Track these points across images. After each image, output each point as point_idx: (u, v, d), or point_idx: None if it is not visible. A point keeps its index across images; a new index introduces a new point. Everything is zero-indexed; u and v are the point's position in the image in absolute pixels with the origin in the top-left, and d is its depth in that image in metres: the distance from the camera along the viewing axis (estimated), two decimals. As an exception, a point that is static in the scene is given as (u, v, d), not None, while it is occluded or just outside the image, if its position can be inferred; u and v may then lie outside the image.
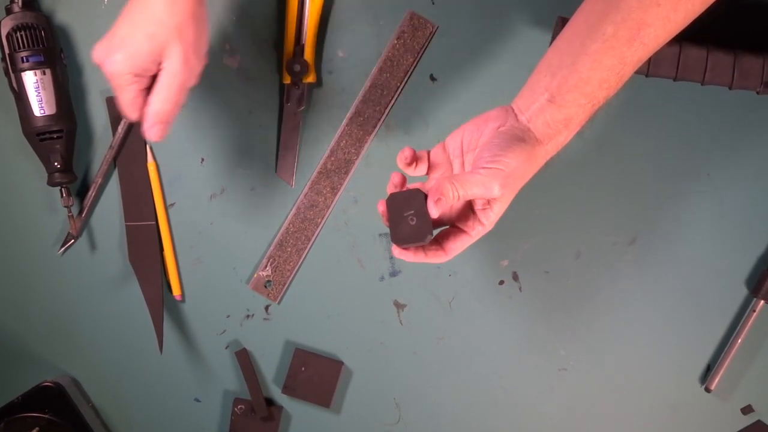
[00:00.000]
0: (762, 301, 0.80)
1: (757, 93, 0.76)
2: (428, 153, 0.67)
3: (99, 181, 0.85)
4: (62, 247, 0.86)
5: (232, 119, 0.85)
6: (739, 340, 0.80)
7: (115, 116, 0.85)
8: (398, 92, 0.83)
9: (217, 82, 0.84)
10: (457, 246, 0.65)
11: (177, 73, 0.66)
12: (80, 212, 0.86)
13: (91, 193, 0.85)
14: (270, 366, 0.87)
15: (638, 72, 0.75)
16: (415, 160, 0.65)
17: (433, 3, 0.82)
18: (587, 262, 0.83)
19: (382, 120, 0.83)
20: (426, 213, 0.62)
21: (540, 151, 0.62)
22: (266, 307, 0.87)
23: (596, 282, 0.83)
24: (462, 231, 0.65)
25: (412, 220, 0.63)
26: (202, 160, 0.85)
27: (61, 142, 0.81)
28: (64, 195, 0.83)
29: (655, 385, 0.83)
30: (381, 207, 0.65)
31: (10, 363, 0.89)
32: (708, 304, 0.82)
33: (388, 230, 0.65)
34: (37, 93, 0.80)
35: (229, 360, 0.87)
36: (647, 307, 0.83)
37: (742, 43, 0.75)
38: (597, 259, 0.83)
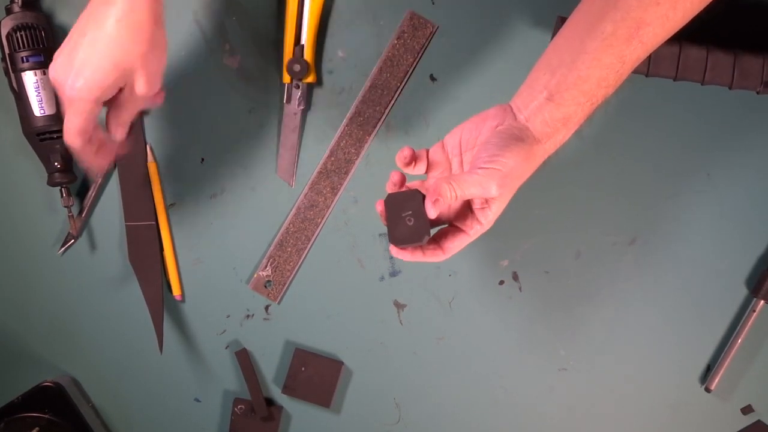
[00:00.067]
0: (762, 301, 0.80)
1: (757, 93, 0.76)
2: (427, 152, 0.67)
3: (99, 181, 0.85)
4: (62, 247, 0.86)
5: (232, 119, 0.85)
6: (739, 340, 0.80)
7: (115, 116, 0.85)
8: (398, 92, 0.83)
9: (217, 82, 0.84)
10: (455, 245, 0.65)
11: (141, 96, 0.68)
12: (80, 212, 0.86)
13: (91, 193, 0.85)
14: (270, 366, 0.87)
15: (638, 72, 0.75)
16: (413, 159, 0.65)
17: (433, 3, 0.82)
18: (587, 262, 0.83)
19: (382, 120, 0.83)
20: (424, 213, 0.62)
21: (538, 150, 0.62)
22: (266, 307, 0.87)
23: (596, 282, 0.83)
24: (460, 230, 0.65)
25: (409, 221, 0.63)
26: (202, 160, 0.85)
27: (61, 142, 0.80)
28: (64, 195, 0.83)
29: (655, 385, 0.83)
30: (379, 207, 0.65)
31: (10, 363, 0.89)
32: (708, 304, 0.82)
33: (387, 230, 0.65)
34: (37, 93, 0.80)
35: (229, 360, 0.87)
36: (647, 307, 0.83)
37: (742, 43, 0.75)
38: (597, 259, 0.83)
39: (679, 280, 0.82)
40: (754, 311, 0.80)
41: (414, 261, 0.65)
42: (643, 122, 0.81)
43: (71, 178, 0.83)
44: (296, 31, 0.81)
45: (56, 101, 0.80)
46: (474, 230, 0.64)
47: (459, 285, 0.84)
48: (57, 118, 0.80)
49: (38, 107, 0.80)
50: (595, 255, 0.83)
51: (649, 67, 0.75)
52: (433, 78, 0.83)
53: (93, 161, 0.70)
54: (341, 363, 0.86)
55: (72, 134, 0.66)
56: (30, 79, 0.80)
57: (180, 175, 0.86)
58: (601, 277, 0.83)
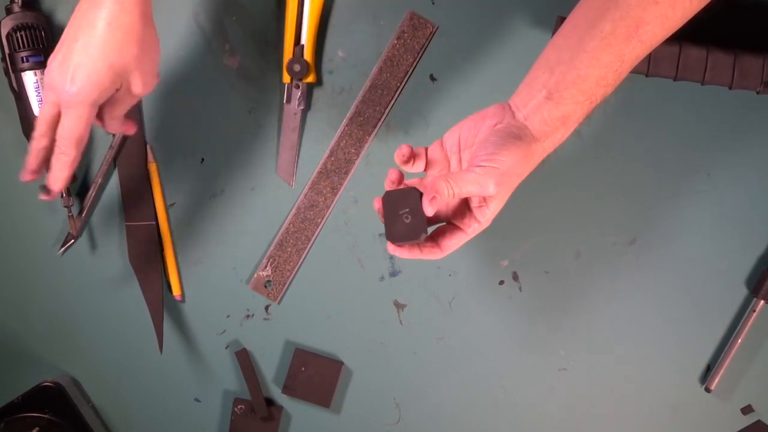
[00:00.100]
0: (762, 301, 0.80)
1: (757, 93, 0.76)
2: (426, 150, 0.67)
3: (99, 181, 0.85)
4: (62, 247, 0.86)
5: (232, 119, 0.85)
6: (739, 340, 0.80)
7: (115, 116, 0.85)
8: (398, 92, 0.83)
9: (217, 82, 0.84)
10: (453, 243, 0.65)
11: (137, 96, 0.68)
12: (80, 212, 0.86)
13: (91, 193, 0.85)
14: (270, 366, 0.87)
15: (638, 72, 0.75)
16: (412, 157, 0.65)
17: (433, 3, 0.82)
18: (587, 262, 0.83)
19: (382, 120, 0.83)
20: (421, 211, 0.62)
21: (537, 149, 0.62)
22: (266, 307, 0.87)
23: (596, 282, 0.83)
24: (458, 228, 0.65)
25: (407, 218, 0.63)
26: (202, 160, 0.85)
27: (61, 142, 0.81)
28: (64, 195, 0.83)
29: (655, 385, 0.83)
30: (377, 204, 0.65)
31: (10, 363, 0.89)
32: (708, 304, 0.82)
33: (387, 229, 0.65)
34: (37, 93, 0.80)
35: (229, 360, 0.87)
36: (647, 307, 0.83)
37: (742, 43, 0.75)
38: (597, 259, 0.83)
39: (679, 280, 0.82)
40: (754, 311, 0.80)
41: (411, 258, 0.65)
42: (643, 122, 0.81)
43: (71, 179, 0.83)
44: (296, 31, 0.81)
45: None
46: (472, 228, 0.64)
47: (459, 285, 0.84)
48: (57, 118, 0.80)
49: (38, 107, 0.80)
50: (595, 255, 0.83)
51: (649, 67, 0.75)
52: (433, 78, 0.83)
53: (65, 181, 0.69)
54: (341, 363, 0.86)
55: (68, 142, 0.66)
56: (30, 79, 0.80)
57: (180, 175, 0.86)
58: (601, 277, 0.83)
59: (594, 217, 0.82)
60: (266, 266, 0.86)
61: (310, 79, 0.82)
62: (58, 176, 0.68)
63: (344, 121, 0.84)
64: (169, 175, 0.86)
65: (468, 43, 0.82)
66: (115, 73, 0.65)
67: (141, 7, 0.65)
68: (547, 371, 0.84)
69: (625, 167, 0.81)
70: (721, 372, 0.81)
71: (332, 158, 0.84)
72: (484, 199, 0.62)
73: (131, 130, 0.75)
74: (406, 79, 0.83)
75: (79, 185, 0.86)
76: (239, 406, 0.87)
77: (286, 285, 0.86)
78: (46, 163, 0.69)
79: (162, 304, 0.86)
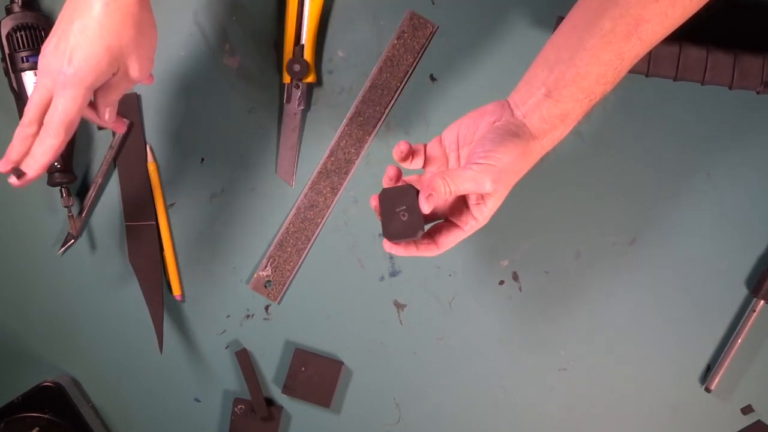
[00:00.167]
0: (762, 301, 0.80)
1: (757, 93, 0.76)
2: (424, 147, 0.67)
3: (99, 181, 0.85)
4: (62, 247, 0.86)
5: (232, 119, 0.85)
6: (739, 340, 0.80)
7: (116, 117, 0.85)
8: (398, 92, 0.83)
9: (217, 82, 0.84)
10: (450, 240, 0.65)
11: (134, 80, 0.67)
12: (80, 212, 0.86)
13: (91, 193, 0.85)
14: (270, 366, 0.87)
15: (638, 72, 0.75)
16: (410, 154, 0.65)
17: (433, 3, 0.82)
18: (587, 262, 0.83)
19: (382, 120, 0.83)
20: (418, 208, 0.62)
21: (535, 147, 0.62)
22: (266, 307, 0.87)
23: (596, 282, 0.83)
24: (455, 225, 0.65)
25: (403, 216, 0.63)
26: (202, 160, 0.85)
27: (62, 142, 0.81)
28: (64, 195, 0.83)
29: (655, 385, 0.83)
30: (373, 202, 0.66)
31: (10, 363, 0.89)
32: (708, 304, 0.82)
33: (388, 230, 0.65)
34: (37, 93, 0.80)
35: (229, 360, 0.87)
36: (647, 307, 0.83)
37: (741, 43, 0.75)
38: (597, 259, 0.83)
39: (679, 280, 0.82)
40: (754, 311, 0.80)
41: (408, 255, 0.65)
42: (643, 122, 0.81)
43: (71, 178, 0.83)
44: (296, 31, 0.82)
45: None
46: (469, 226, 0.64)
47: (459, 285, 0.84)
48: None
49: (38, 106, 0.80)
50: (595, 255, 0.83)
51: (649, 67, 0.75)
52: (433, 78, 0.83)
53: (41, 171, 0.66)
54: (341, 363, 0.86)
55: (58, 125, 0.64)
56: (30, 79, 0.80)
57: (180, 175, 0.86)
58: (601, 277, 0.83)
59: (594, 217, 0.82)
60: (266, 266, 0.86)
61: (310, 79, 0.82)
62: (39, 161, 0.65)
63: (344, 121, 0.84)
64: (169, 175, 0.86)
65: (468, 43, 0.82)
66: (112, 56, 0.63)
67: None
68: (547, 371, 0.84)
69: (625, 167, 0.81)
70: (721, 372, 0.81)
71: (332, 158, 0.84)
72: (482, 197, 0.62)
73: (121, 128, 0.74)
74: (406, 79, 0.83)
75: (79, 185, 0.86)
76: (239, 406, 0.87)
77: (286, 285, 0.86)
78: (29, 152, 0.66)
79: (162, 304, 0.86)
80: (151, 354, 0.87)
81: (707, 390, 0.82)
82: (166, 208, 0.86)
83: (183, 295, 0.87)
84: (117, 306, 0.87)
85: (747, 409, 0.82)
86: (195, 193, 0.86)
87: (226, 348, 0.87)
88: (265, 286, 0.86)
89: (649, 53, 0.74)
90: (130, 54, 0.65)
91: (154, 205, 0.86)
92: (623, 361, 0.83)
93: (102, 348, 0.88)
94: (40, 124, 0.65)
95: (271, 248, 0.85)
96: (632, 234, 0.82)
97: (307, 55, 0.82)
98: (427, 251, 0.65)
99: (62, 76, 0.63)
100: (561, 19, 0.74)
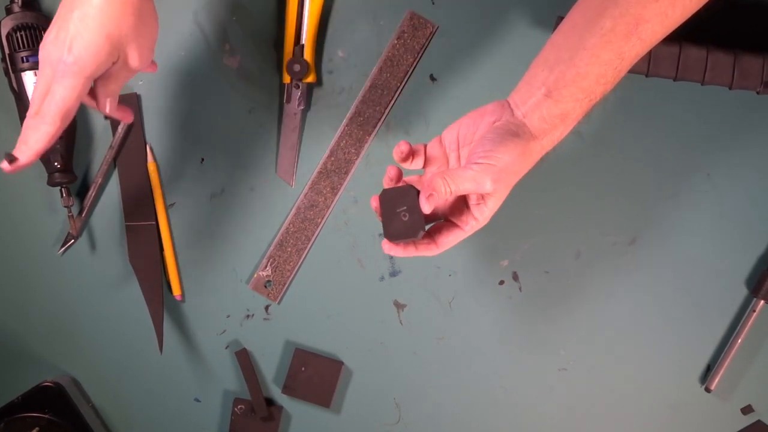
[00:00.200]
0: (762, 301, 0.80)
1: (757, 93, 0.76)
2: (425, 147, 0.67)
3: (99, 181, 0.85)
4: (62, 247, 0.86)
5: (232, 119, 0.85)
6: (739, 340, 0.80)
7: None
8: (398, 92, 0.83)
9: (217, 82, 0.84)
10: (450, 240, 0.65)
11: (134, 69, 0.66)
12: (80, 212, 0.86)
13: (91, 193, 0.85)
14: (270, 366, 0.87)
15: (638, 72, 0.75)
16: (411, 154, 0.66)
17: (433, 3, 0.82)
18: (587, 262, 0.83)
19: (382, 120, 0.83)
20: (418, 208, 0.62)
21: (535, 146, 0.62)
22: (266, 307, 0.87)
23: (596, 282, 0.83)
24: (455, 225, 0.65)
25: (404, 216, 0.63)
26: (202, 160, 0.85)
27: (61, 142, 0.81)
28: (64, 195, 0.83)
29: (655, 385, 0.83)
30: (374, 203, 0.66)
31: (10, 363, 0.89)
32: (708, 304, 0.82)
33: (388, 230, 0.65)
34: (37, 93, 0.80)
35: (229, 360, 0.87)
36: (647, 307, 0.83)
37: (741, 43, 0.76)
38: (597, 259, 0.83)
39: (679, 280, 0.82)
40: (754, 311, 0.80)
41: (407, 256, 0.65)
42: (643, 122, 0.81)
43: (71, 178, 0.83)
44: (296, 31, 0.82)
45: None
46: (469, 226, 0.64)
47: (459, 285, 0.84)
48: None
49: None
50: (595, 255, 0.83)
51: (649, 67, 0.75)
52: (433, 78, 0.83)
53: (36, 156, 0.65)
54: (341, 363, 0.86)
55: (55, 113, 0.63)
56: (30, 79, 0.80)
57: (180, 175, 0.86)
58: (601, 277, 0.83)
59: (594, 217, 0.82)
60: (266, 266, 0.86)
61: (310, 79, 0.82)
62: (33, 147, 0.64)
63: (344, 121, 0.84)
64: (169, 175, 0.86)
65: (468, 43, 0.82)
66: (112, 45, 0.63)
67: None
68: (547, 371, 0.84)
69: (625, 167, 0.81)
70: (721, 372, 0.81)
71: (332, 158, 0.84)
72: (482, 197, 0.62)
73: (128, 117, 0.73)
74: (406, 79, 0.83)
75: (79, 185, 0.86)
76: (239, 406, 0.87)
77: (286, 285, 0.86)
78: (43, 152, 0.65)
79: (162, 304, 0.86)
80: (151, 354, 0.87)
81: (707, 390, 0.82)
82: (166, 208, 0.86)
83: (183, 295, 0.87)
84: (117, 306, 0.87)
85: (747, 409, 0.82)
86: (195, 193, 0.86)
87: (226, 348, 0.87)
88: (265, 286, 0.86)
89: (649, 53, 0.74)
90: (130, 42, 0.64)
91: (154, 205, 0.86)
92: (623, 361, 0.83)
93: (102, 348, 0.88)
94: None
95: (271, 248, 0.85)
96: (632, 234, 0.82)
97: (307, 55, 0.82)
98: (426, 251, 0.65)
99: (62, 64, 0.62)
100: (561, 19, 0.74)
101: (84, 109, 0.85)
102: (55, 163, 0.82)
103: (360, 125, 0.83)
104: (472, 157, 0.61)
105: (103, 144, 0.85)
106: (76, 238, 0.86)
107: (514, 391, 0.85)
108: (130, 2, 0.63)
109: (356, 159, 0.84)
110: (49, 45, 0.63)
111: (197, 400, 0.88)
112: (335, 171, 0.84)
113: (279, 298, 0.86)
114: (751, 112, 0.80)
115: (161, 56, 0.84)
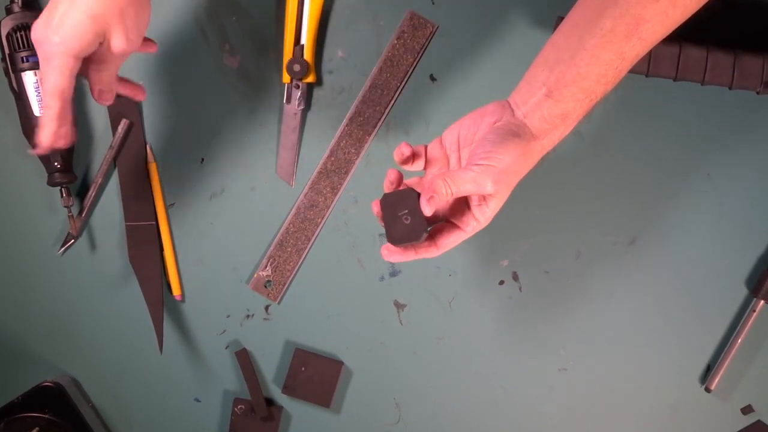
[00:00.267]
0: (762, 301, 0.80)
1: (757, 93, 0.76)
2: (425, 148, 0.67)
3: (99, 181, 0.85)
4: (62, 247, 0.86)
5: (232, 119, 0.85)
6: (739, 340, 0.80)
7: (115, 116, 0.85)
8: (398, 92, 0.83)
9: (217, 82, 0.84)
10: (450, 241, 0.64)
11: (120, 52, 0.66)
12: (80, 212, 0.86)
13: (91, 193, 0.85)
14: (270, 366, 0.87)
15: (638, 72, 0.75)
16: (412, 157, 0.65)
17: (433, 3, 0.82)
18: (587, 262, 0.83)
19: (382, 120, 0.83)
20: (419, 211, 0.62)
21: (536, 147, 0.62)
22: (266, 307, 0.87)
23: (596, 282, 0.83)
24: (456, 226, 0.65)
25: (406, 219, 0.63)
26: (202, 160, 0.85)
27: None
28: (64, 195, 0.83)
29: (655, 385, 0.83)
30: (375, 208, 0.65)
31: (10, 363, 0.89)
32: (708, 304, 0.82)
33: (388, 231, 0.65)
34: (37, 93, 0.80)
35: (229, 360, 0.87)
36: (647, 307, 0.83)
37: (741, 43, 0.75)
38: (597, 259, 0.83)
39: (679, 280, 0.82)
40: (754, 311, 0.80)
41: (407, 260, 0.65)
42: (643, 122, 0.81)
43: (71, 178, 0.83)
44: (296, 31, 0.81)
45: None
46: (470, 227, 0.64)
47: (459, 285, 0.84)
48: (57, 118, 0.80)
49: (38, 107, 0.80)
50: (595, 255, 0.83)
51: (649, 67, 0.75)
52: (433, 78, 0.83)
53: (53, 136, 0.66)
54: (341, 363, 0.86)
55: (50, 95, 0.64)
56: (30, 79, 0.80)
57: (180, 175, 0.86)
58: (601, 277, 0.83)
59: (594, 217, 0.82)
60: (266, 266, 0.86)
61: (310, 79, 0.82)
62: (46, 130, 0.66)
63: (344, 121, 0.84)
64: (169, 175, 0.86)
65: (468, 43, 0.82)
66: (97, 24, 0.63)
67: None
68: (547, 371, 0.84)
69: (625, 167, 0.81)
70: (721, 372, 0.81)
71: (332, 158, 0.84)
72: (484, 198, 0.62)
73: (140, 94, 0.74)
74: (406, 79, 0.83)
75: (79, 185, 0.86)
76: (239, 406, 0.87)
77: (286, 285, 0.86)
78: (58, 131, 0.66)
79: (162, 304, 0.86)
80: (151, 354, 0.87)
81: (707, 390, 0.82)
82: (166, 208, 0.86)
83: (183, 295, 0.87)
84: (117, 306, 0.87)
85: (747, 409, 0.82)
86: (195, 193, 0.86)
87: (226, 348, 0.87)
88: (265, 286, 0.86)
89: (649, 53, 0.74)
90: (116, 23, 0.64)
91: (154, 205, 0.86)
92: (623, 361, 0.83)
93: (102, 348, 0.88)
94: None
95: (271, 248, 0.85)
96: (632, 234, 0.82)
97: (307, 55, 0.82)
98: (426, 253, 0.64)
99: (48, 44, 0.63)
100: (561, 19, 0.74)
101: (84, 109, 0.85)
102: (55, 163, 0.82)
103: (360, 125, 0.83)
104: (473, 158, 0.61)
105: (103, 144, 0.85)
106: (76, 238, 0.86)
107: (514, 391, 0.85)
108: None
109: (356, 159, 0.84)
110: (39, 25, 0.64)
111: (197, 400, 0.88)
112: (335, 171, 0.84)
113: (279, 298, 0.86)
114: (751, 112, 0.80)
115: (162, 56, 0.84)
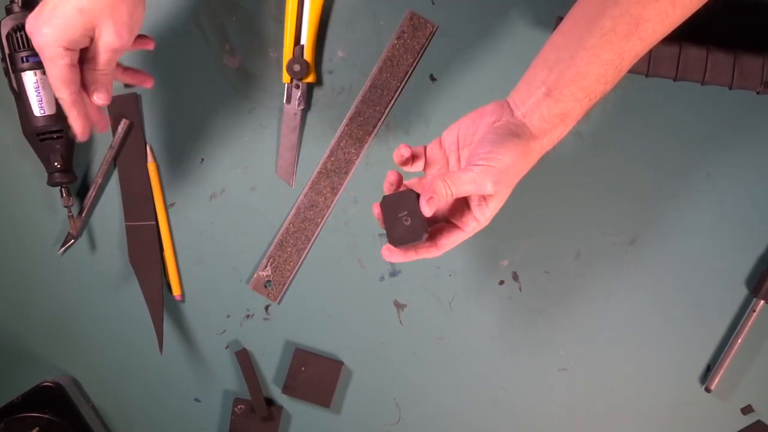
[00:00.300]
0: (762, 301, 0.80)
1: (757, 93, 0.76)
2: (425, 148, 0.67)
3: (99, 181, 0.85)
4: (62, 247, 0.86)
5: (232, 119, 0.85)
6: (739, 340, 0.80)
7: (115, 116, 0.85)
8: (398, 92, 0.83)
9: (217, 82, 0.84)
10: (450, 241, 0.64)
11: (110, 48, 0.66)
12: (80, 212, 0.86)
13: (91, 193, 0.85)
14: (270, 366, 0.87)
15: (638, 72, 0.75)
16: (411, 158, 0.65)
17: (433, 3, 0.82)
18: (587, 262, 0.83)
19: (382, 120, 0.83)
20: (419, 212, 0.62)
21: (535, 146, 0.62)
22: (266, 307, 0.87)
23: (596, 282, 0.83)
24: (456, 227, 0.65)
25: (406, 220, 0.63)
26: (202, 160, 0.85)
27: (61, 142, 0.81)
28: (64, 195, 0.83)
29: (655, 385, 0.83)
30: (376, 210, 0.65)
31: (10, 363, 0.89)
32: (708, 304, 0.82)
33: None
34: (37, 93, 0.80)
35: (229, 360, 0.87)
36: (647, 307, 0.83)
37: (742, 43, 0.75)
38: (597, 259, 0.83)
39: (679, 280, 0.82)
40: (754, 311, 0.80)
41: (408, 261, 0.65)
42: (643, 122, 0.81)
43: (71, 178, 0.83)
44: (296, 31, 0.82)
45: (56, 101, 0.80)
46: (470, 227, 0.64)
47: (459, 285, 0.84)
48: (57, 118, 0.80)
49: (38, 107, 0.80)
50: (595, 255, 0.83)
51: (649, 67, 0.75)
52: (433, 78, 0.83)
53: (80, 120, 0.69)
54: (341, 363, 0.86)
55: (56, 85, 0.66)
56: (30, 79, 0.80)
57: (180, 175, 0.86)
58: (601, 277, 0.83)
59: (594, 217, 0.82)
60: (266, 266, 0.86)
61: (310, 79, 0.82)
62: (70, 119, 0.69)
63: (344, 121, 0.84)
64: (169, 175, 0.86)
65: (468, 43, 0.82)
66: (86, 18, 0.64)
67: None
68: (547, 371, 0.84)
69: (625, 167, 0.81)
70: (721, 372, 0.81)
71: (332, 158, 0.84)
72: (484, 198, 0.62)
73: (147, 82, 0.76)
74: (406, 79, 0.83)
75: (79, 185, 0.86)
76: (239, 406, 0.87)
77: (286, 285, 0.86)
78: (84, 115, 0.69)
79: (162, 304, 0.86)
80: (151, 354, 0.87)
81: (707, 390, 0.82)
82: (166, 208, 0.86)
83: (183, 295, 0.87)
84: (117, 306, 0.87)
85: (747, 409, 0.82)
86: (195, 193, 0.86)
87: (226, 348, 0.87)
88: (265, 286, 0.86)
89: (649, 53, 0.74)
90: (105, 18, 0.64)
91: (154, 205, 0.86)
92: (623, 361, 0.83)
93: (102, 348, 0.88)
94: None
95: (271, 248, 0.85)
96: (632, 234, 0.82)
97: (307, 55, 0.82)
98: (426, 253, 0.64)
99: (39, 36, 0.64)
100: (561, 19, 0.74)
101: (84, 109, 0.85)
102: (55, 163, 0.82)
103: (360, 125, 0.83)
104: (473, 158, 0.61)
105: (103, 144, 0.86)
106: (76, 238, 0.86)
107: (514, 391, 0.85)
108: None
109: (356, 159, 0.84)
110: (31, 18, 0.65)
111: (197, 400, 0.88)
112: (335, 171, 0.84)
113: (279, 298, 0.86)
114: (751, 112, 0.80)
115: (162, 56, 0.84)
